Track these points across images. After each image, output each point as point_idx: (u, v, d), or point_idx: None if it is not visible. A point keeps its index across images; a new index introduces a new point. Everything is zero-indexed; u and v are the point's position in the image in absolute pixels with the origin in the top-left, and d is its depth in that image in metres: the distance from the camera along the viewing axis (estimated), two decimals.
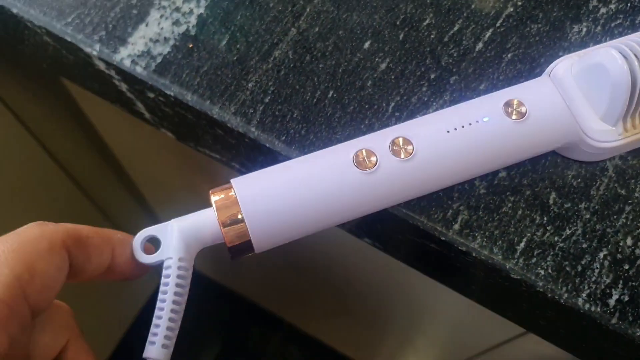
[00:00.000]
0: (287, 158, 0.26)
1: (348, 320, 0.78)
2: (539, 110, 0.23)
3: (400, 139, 0.22)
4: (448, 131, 0.22)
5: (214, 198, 0.22)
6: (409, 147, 0.22)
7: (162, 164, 0.54)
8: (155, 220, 0.38)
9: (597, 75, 0.22)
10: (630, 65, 0.21)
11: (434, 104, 0.26)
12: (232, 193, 0.22)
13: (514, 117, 0.22)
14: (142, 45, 0.27)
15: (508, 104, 0.23)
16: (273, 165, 0.23)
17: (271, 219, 0.21)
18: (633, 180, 0.25)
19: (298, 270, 0.67)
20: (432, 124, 0.23)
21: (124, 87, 0.29)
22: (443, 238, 0.24)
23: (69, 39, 0.28)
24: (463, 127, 0.22)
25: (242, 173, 0.30)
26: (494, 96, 0.23)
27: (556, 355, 0.41)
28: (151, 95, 0.28)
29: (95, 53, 0.27)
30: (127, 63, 0.27)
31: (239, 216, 0.21)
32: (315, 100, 0.27)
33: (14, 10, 0.28)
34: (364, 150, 0.22)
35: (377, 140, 0.22)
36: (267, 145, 0.26)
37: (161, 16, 0.28)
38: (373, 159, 0.22)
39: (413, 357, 0.76)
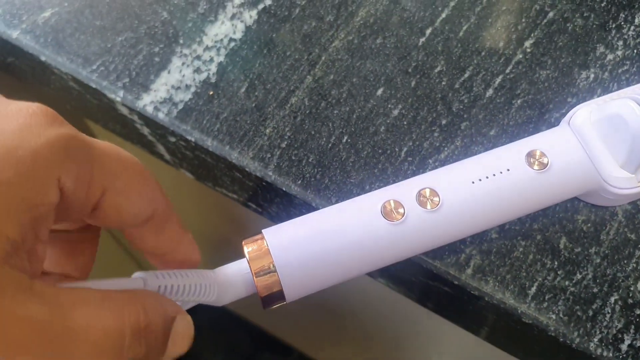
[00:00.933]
0: (303, 201, 0.27)
1: (356, 350, 0.78)
2: (561, 160, 0.23)
3: (427, 190, 0.23)
4: (473, 182, 0.23)
5: (247, 249, 0.22)
6: (436, 199, 0.23)
7: (179, 203, 0.55)
8: None
9: (616, 125, 0.23)
10: None
11: (446, 149, 0.27)
12: (265, 244, 0.22)
13: (535, 167, 0.23)
14: (164, 92, 0.29)
15: (530, 155, 0.23)
16: (303, 216, 0.23)
17: (302, 269, 0.22)
18: None
19: (309, 301, 0.67)
20: (456, 175, 0.23)
21: (145, 131, 0.30)
22: (456, 282, 0.25)
23: (94, 86, 0.29)
24: (487, 177, 0.23)
25: (259, 213, 0.31)
26: (515, 146, 0.24)
27: None
28: (172, 139, 0.29)
29: (119, 99, 0.29)
30: (149, 109, 0.28)
31: (271, 267, 0.22)
32: (330, 145, 0.27)
33: (42, 58, 0.30)
34: (391, 201, 0.23)
35: (404, 191, 0.23)
36: (284, 189, 0.27)
37: (183, 64, 0.29)
38: (401, 210, 0.22)
39: None
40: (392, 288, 0.30)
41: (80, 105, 0.33)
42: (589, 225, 0.26)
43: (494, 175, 0.23)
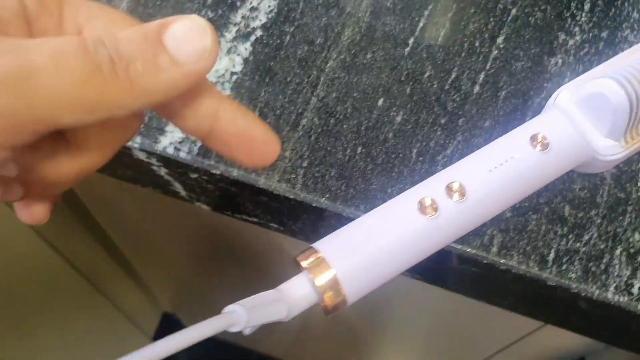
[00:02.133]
0: (334, 213, 0.29)
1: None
2: (558, 139, 0.27)
3: (454, 184, 0.25)
4: (490, 170, 0.26)
5: (303, 263, 0.24)
6: (462, 190, 0.25)
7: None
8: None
9: (598, 101, 0.27)
10: (626, 90, 0.26)
11: (450, 145, 0.30)
12: (319, 255, 0.24)
13: (539, 149, 0.26)
14: (180, 132, 0.30)
15: (533, 139, 0.26)
16: (346, 225, 0.25)
17: (358, 272, 0.24)
18: (628, 184, 0.30)
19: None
20: (475, 166, 0.26)
21: (163, 171, 0.31)
22: (485, 261, 0.28)
23: None
24: (501, 164, 0.26)
25: (281, 232, 0.33)
26: (517, 133, 0.27)
27: (571, 345, 0.45)
28: (194, 175, 0.30)
29: (136, 145, 0.30)
30: (170, 150, 0.29)
31: (331, 274, 0.24)
32: (347, 157, 0.30)
33: None
34: (425, 199, 0.25)
35: (433, 187, 0.25)
36: (314, 204, 0.29)
37: None
38: (434, 205, 0.25)
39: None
40: (417, 278, 0.33)
41: None
42: (585, 192, 0.29)
43: (507, 161, 0.26)
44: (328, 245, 0.25)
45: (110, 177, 0.34)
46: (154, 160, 0.30)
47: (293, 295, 0.24)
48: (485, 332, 0.54)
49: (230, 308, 0.22)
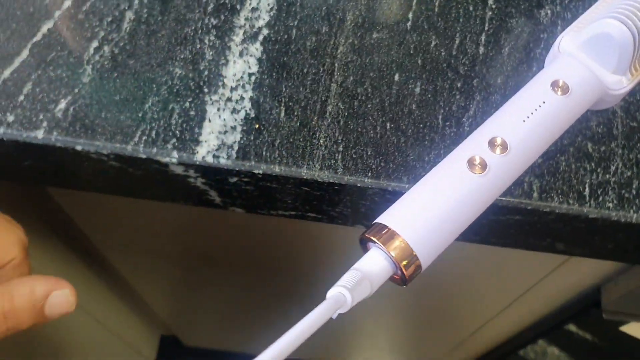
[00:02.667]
0: (380, 189, 0.30)
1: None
2: (576, 81, 0.28)
3: (496, 139, 0.27)
4: (524, 121, 0.27)
5: (374, 238, 0.25)
6: (504, 144, 0.27)
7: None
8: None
9: (602, 41, 0.29)
10: (629, 26, 0.28)
11: (471, 106, 0.32)
12: (387, 227, 0.25)
13: (560, 93, 0.28)
14: (214, 140, 0.30)
15: (554, 85, 0.28)
16: (402, 196, 0.27)
17: (426, 236, 0.25)
18: (637, 113, 0.32)
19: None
20: (508, 119, 0.28)
21: (199, 182, 0.31)
22: (530, 207, 0.30)
23: (144, 156, 0.30)
24: (532, 114, 0.27)
25: (317, 220, 0.34)
26: (537, 82, 0.29)
27: (587, 279, 0.47)
28: (233, 180, 0.31)
29: (174, 160, 0.30)
30: (209, 159, 0.30)
31: (403, 244, 0.25)
32: (379, 135, 0.31)
33: (78, 148, 0.30)
34: (474, 157, 0.26)
35: (477, 145, 0.27)
36: (359, 184, 0.30)
37: (218, 109, 0.31)
38: (482, 162, 0.26)
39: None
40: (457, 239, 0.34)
41: (111, 185, 0.33)
42: (602, 127, 0.31)
43: (536, 110, 0.28)
44: (392, 218, 0.26)
45: (141, 199, 0.34)
46: (191, 172, 0.31)
47: (371, 271, 0.25)
48: (504, 280, 0.56)
49: (335, 291, 0.23)
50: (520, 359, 0.92)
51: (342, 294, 0.23)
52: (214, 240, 0.58)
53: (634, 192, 0.30)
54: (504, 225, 0.32)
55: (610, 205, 0.30)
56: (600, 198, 0.30)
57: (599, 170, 0.30)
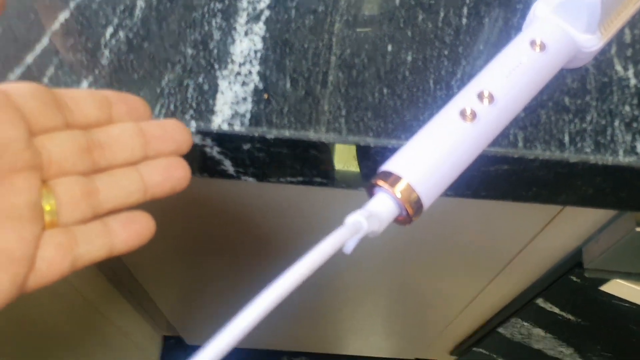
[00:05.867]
0: (381, 147, 0.33)
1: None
2: (551, 39, 0.32)
3: (484, 92, 0.30)
4: (507, 76, 0.30)
5: (379, 182, 0.28)
6: (490, 96, 0.30)
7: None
8: None
9: (573, 3, 0.32)
10: None
11: (458, 70, 0.35)
12: (391, 172, 0.28)
13: (538, 50, 0.31)
14: (228, 110, 0.33)
15: (532, 43, 0.31)
16: (403, 146, 0.30)
17: (426, 179, 0.28)
18: (607, 69, 0.35)
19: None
20: (493, 75, 0.31)
21: (215, 151, 0.34)
22: (516, 156, 0.33)
23: None
24: (514, 69, 0.31)
25: (323, 185, 0.37)
26: (517, 42, 0.32)
27: (568, 242, 0.51)
28: (246, 146, 0.33)
29: (193, 130, 0.32)
30: (225, 127, 0.32)
31: (405, 185, 0.28)
32: (377, 100, 0.34)
33: None
34: (465, 108, 0.29)
35: (467, 98, 0.30)
36: (361, 144, 0.33)
37: (229, 83, 0.34)
38: (473, 112, 0.29)
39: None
40: (449, 195, 0.37)
41: None
42: (576, 83, 0.35)
43: (517, 66, 0.31)
44: (395, 164, 0.29)
45: None
46: (208, 141, 0.33)
47: (379, 212, 0.28)
48: (489, 249, 0.60)
49: (352, 218, 0.26)
50: (507, 340, 0.96)
51: (359, 221, 0.25)
52: (219, 229, 0.61)
53: (608, 138, 0.33)
54: (493, 177, 0.35)
55: (588, 150, 0.33)
56: (579, 144, 0.33)
57: (576, 120, 0.34)
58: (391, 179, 0.28)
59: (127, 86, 0.33)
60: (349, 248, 0.29)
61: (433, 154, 0.29)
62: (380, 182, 0.28)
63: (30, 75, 0.33)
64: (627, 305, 0.71)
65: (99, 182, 0.26)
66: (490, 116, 0.30)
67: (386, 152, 0.33)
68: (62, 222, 0.25)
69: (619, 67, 0.36)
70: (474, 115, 0.30)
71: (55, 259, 0.24)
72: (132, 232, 0.26)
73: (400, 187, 0.28)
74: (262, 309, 0.21)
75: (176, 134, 0.27)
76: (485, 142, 0.31)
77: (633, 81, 0.35)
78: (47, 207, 0.25)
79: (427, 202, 0.29)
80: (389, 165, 0.29)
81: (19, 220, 0.23)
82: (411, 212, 0.28)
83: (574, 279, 0.58)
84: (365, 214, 0.26)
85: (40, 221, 0.24)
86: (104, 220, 0.26)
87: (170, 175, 0.27)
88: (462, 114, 0.30)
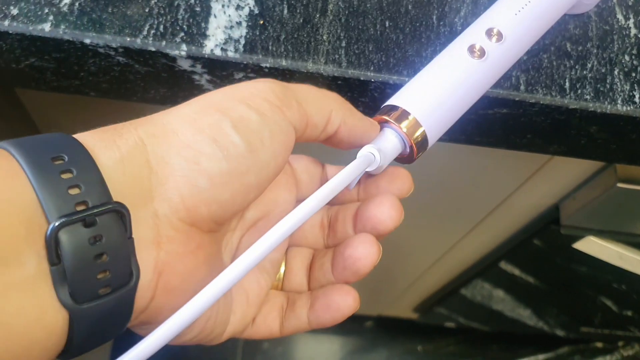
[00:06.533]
0: (380, 82, 0.32)
1: None
2: None
3: (493, 29, 0.29)
4: (515, 14, 0.29)
5: (386, 117, 0.27)
6: (499, 33, 0.29)
7: None
8: None
9: None
10: None
11: (462, 7, 0.34)
12: (397, 107, 0.27)
13: None
14: (221, 34, 0.31)
15: None
16: (409, 81, 0.28)
17: (433, 114, 0.27)
18: (609, 18, 0.35)
19: None
20: (502, 12, 0.30)
21: (204, 79, 0.32)
22: (517, 99, 0.32)
23: (153, 49, 0.30)
24: (523, 8, 0.30)
25: None
26: None
27: (545, 199, 0.51)
28: (239, 75, 0.32)
29: (183, 53, 0.30)
30: (217, 52, 0.31)
31: (412, 119, 0.27)
32: (379, 32, 0.32)
33: (87, 41, 0.30)
34: (474, 45, 0.28)
35: (476, 35, 0.29)
36: (362, 78, 0.31)
37: (222, 6, 0.32)
38: (481, 49, 0.28)
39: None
40: (443, 140, 0.36)
41: (112, 87, 0.33)
42: (578, 29, 0.34)
43: (526, 5, 0.30)
44: (402, 99, 0.28)
45: (141, 102, 0.35)
46: (198, 68, 0.31)
47: (384, 147, 0.27)
48: (467, 202, 0.60)
49: (364, 150, 0.25)
50: (468, 300, 0.98)
51: (371, 153, 0.24)
52: None
53: (607, 86, 0.33)
54: (490, 121, 0.34)
55: (588, 97, 0.33)
56: (579, 91, 0.33)
57: (577, 67, 0.33)
58: (397, 113, 0.27)
59: (113, 4, 0.31)
60: (352, 184, 0.28)
61: (441, 90, 0.28)
62: (386, 116, 0.27)
63: None
64: (583, 270, 0.73)
65: (326, 258, 0.27)
66: (499, 53, 0.29)
67: (386, 89, 0.32)
68: (285, 287, 0.28)
69: (620, 16, 0.35)
70: (482, 52, 0.29)
71: (270, 316, 0.26)
72: (332, 310, 0.26)
73: (406, 122, 0.27)
74: (288, 228, 0.21)
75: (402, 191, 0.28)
76: (491, 81, 0.30)
77: (633, 31, 0.35)
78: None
79: (432, 139, 0.28)
80: (395, 100, 0.28)
81: (260, 270, 0.26)
82: (415, 148, 0.28)
83: (542, 240, 0.59)
84: (376, 146, 0.25)
85: (273, 277, 0.27)
86: (313, 294, 0.27)
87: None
88: (471, 50, 0.29)
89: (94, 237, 0.18)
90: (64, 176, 0.18)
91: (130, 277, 0.19)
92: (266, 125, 0.22)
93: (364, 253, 0.25)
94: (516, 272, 0.82)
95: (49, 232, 0.17)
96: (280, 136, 0.22)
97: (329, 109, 0.24)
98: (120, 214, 0.19)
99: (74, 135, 0.20)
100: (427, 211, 0.64)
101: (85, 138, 0.20)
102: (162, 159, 0.21)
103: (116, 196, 0.19)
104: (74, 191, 0.18)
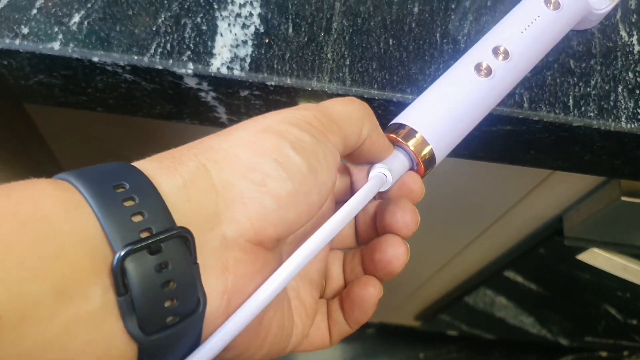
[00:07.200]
0: (385, 100, 0.32)
1: None
2: None
3: (500, 47, 0.29)
4: (522, 32, 0.30)
5: (394, 135, 0.27)
6: (505, 52, 0.29)
7: None
8: None
9: None
10: None
11: (465, 25, 0.34)
12: (405, 126, 0.27)
13: (552, 8, 0.31)
14: (227, 53, 0.31)
15: (547, 1, 0.31)
16: (415, 100, 0.29)
17: (440, 132, 0.27)
18: (612, 34, 0.35)
19: None
20: (508, 30, 0.30)
21: (210, 97, 0.33)
22: (521, 116, 0.32)
23: (160, 67, 0.31)
24: (529, 26, 0.30)
25: None
26: (530, 1, 0.31)
27: (549, 210, 0.51)
28: (244, 93, 0.32)
29: (190, 72, 0.31)
30: (224, 70, 0.31)
31: (421, 138, 0.27)
32: (382, 50, 0.33)
33: (95, 59, 0.30)
34: (481, 63, 0.29)
35: (482, 53, 0.29)
36: (365, 96, 0.32)
37: (229, 24, 0.32)
38: (488, 67, 0.29)
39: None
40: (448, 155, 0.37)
41: (119, 103, 0.34)
42: (582, 46, 0.34)
43: (532, 22, 0.31)
44: (409, 117, 0.28)
45: (147, 118, 0.35)
46: (204, 86, 0.32)
47: (394, 166, 0.27)
48: (470, 212, 0.60)
49: (376, 171, 0.25)
50: (470, 307, 0.98)
51: (383, 173, 0.25)
52: None
53: (611, 103, 0.33)
54: (494, 137, 0.35)
55: (592, 114, 0.33)
56: (583, 108, 0.33)
57: (580, 84, 0.33)
58: (404, 131, 0.28)
59: (121, 22, 0.31)
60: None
61: (448, 108, 0.28)
62: (394, 135, 0.28)
63: (19, 4, 0.31)
64: (587, 277, 0.73)
65: (355, 261, 0.29)
66: (505, 72, 0.29)
67: (389, 106, 0.32)
68: (327, 294, 0.29)
69: (623, 33, 0.35)
70: (489, 70, 0.29)
71: (322, 326, 0.27)
72: (357, 305, 0.27)
73: (414, 140, 0.27)
74: (308, 254, 0.21)
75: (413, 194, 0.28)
76: (497, 100, 0.30)
77: (637, 48, 0.35)
78: None
79: (439, 157, 0.28)
80: (402, 118, 0.28)
81: (310, 283, 0.27)
82: (423, 166, 0.28)
83: (546, 250, 0.59)
84: (387, 167, 0.26)
85: (321, 288, 0.28)
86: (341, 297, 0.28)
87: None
88: (478, 69, 0.29)
89: (160, 265, 0.18)
90: (127, 204, 0.18)
91: (197, 304, 0.19)
92: (319, 146, 0.22)
93: (394, 255, 0.26)
94: (519, 279, 0.82)
95: (115, 262, 0.17)
96: (330, 156, 0.23)
97: (360, 125, 0.25)
98: (185, 239, 0.19)
99: (133, 163, 0.20)
100: (431, 220, 0.64)
101: (145, 166, 0.20)
102: (228, 182, 0.20)
103: (180, 222, 0.19)
104: (137, 218, 0.18)
